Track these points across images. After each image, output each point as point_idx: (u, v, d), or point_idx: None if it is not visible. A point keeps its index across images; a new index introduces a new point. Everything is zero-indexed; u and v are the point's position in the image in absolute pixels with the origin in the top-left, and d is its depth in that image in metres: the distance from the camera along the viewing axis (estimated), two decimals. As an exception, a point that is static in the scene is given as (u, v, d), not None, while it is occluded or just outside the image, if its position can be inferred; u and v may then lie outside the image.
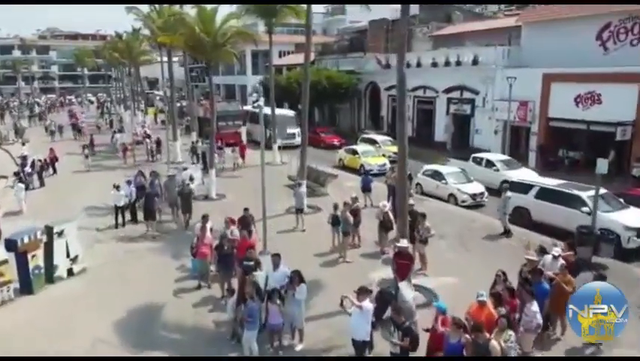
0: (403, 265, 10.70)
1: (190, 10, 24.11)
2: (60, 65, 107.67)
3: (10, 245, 12.30)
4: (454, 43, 37.26)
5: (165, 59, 33.92)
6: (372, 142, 30.71)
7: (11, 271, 12.31)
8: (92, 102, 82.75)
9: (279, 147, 29.61)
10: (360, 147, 29.03)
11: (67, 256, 13.52)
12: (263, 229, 14.94)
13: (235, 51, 22.50)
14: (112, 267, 14.30)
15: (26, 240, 12.52)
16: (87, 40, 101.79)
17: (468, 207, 20.16)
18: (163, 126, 32.06)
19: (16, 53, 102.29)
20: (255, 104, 14.87)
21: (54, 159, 27.39)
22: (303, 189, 18.48)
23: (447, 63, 33.36)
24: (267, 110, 29.85)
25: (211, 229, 13.59)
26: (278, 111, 35.40)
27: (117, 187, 18.08)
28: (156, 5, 33.18)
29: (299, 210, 17.77)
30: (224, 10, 22.35)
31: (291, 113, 35.57)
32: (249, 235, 13.33)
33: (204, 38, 20.07)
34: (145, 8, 34.61)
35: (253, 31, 33.86)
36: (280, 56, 56.42)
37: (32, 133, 43.50)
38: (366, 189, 19.81)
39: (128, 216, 18.43)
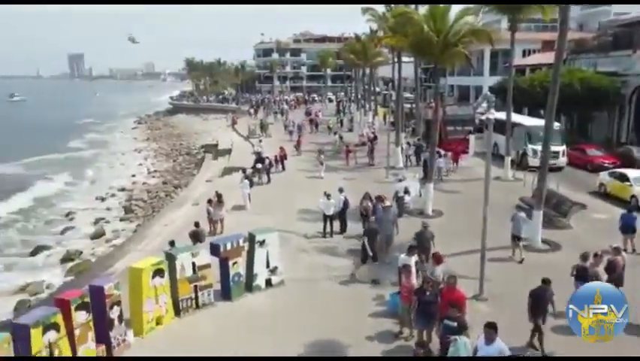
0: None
1: (422, 8, 22.37)
2: (308, 65, 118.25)
3: (214, 250, 12.34)
4: None
5: (396, 59, 32.91)
6: None
7: (213, 276, 12.32)
8: (331, 101, 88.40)
9: (531, 168, 25.54)
10: (633, 172, 22.18)
11: (267, 266, 13.10)
12: (480, 267, 12.35)
13: (467, 51, 19.74)
14: (310, 284, 13.45)
15: (229, 246, 12.43)
16: (332, 43, 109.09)
17: None
18: (392, 128, 31.10)
19: (275, 56, 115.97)
20: (484, 117, 12.04)
21: (283, 157, 28.84)
22: (523, 214, 15.22)
23: None
24: (511, 117, 26.38)
25: (416, 263, 11.53)
26: (531, 121, 31.02)
27: (328, 195, 17.40)
28: (392, 5, 32.38)
29: (516, 238, 14.79)
30: (459, 6, 19.78)
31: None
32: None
33: (433, 38, 17.96)
34: (382, 8, 34.29)
35: (495, 28, 30.45)
36: (524, 55, 50.73)
37: (275, 130, 47.60)
38: (628, 229, 15.07)
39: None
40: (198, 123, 73.20)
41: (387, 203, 16.35)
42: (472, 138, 31.70)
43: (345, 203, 17.79)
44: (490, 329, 7.70)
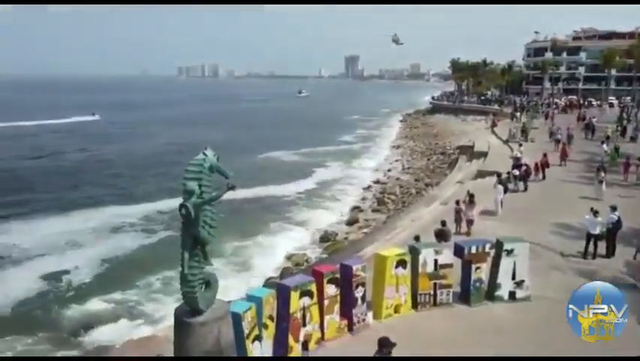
0: None
1: None
2: (587, 65, 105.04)
3: (458, 251, 12.19)
4: None
5: None
6: None
7: (453, 277, 12.21)
8: (612, 105, 77.05)
9: None
10: None
11: (513, 278, 12.32)
12: None
13: None
14: (560, 307, 11.82)
15: (474, 250, 12.14)
16: (622, 40, 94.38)
17: None
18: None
19: (548, 55, 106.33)
20: None
21: (545, 165, 26.38)
22: None
23: None
24: None
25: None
26: None
27: (595, 212, 15.29)
28: None
29: None
30: None
31: None
32: None
33: None
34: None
35: None
36: None
37: (539, 135, 43.72)
38: None
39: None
40: (456, 124, 72.66)
41: None
42: None
43: (617, 223, 15.37)
44: None
